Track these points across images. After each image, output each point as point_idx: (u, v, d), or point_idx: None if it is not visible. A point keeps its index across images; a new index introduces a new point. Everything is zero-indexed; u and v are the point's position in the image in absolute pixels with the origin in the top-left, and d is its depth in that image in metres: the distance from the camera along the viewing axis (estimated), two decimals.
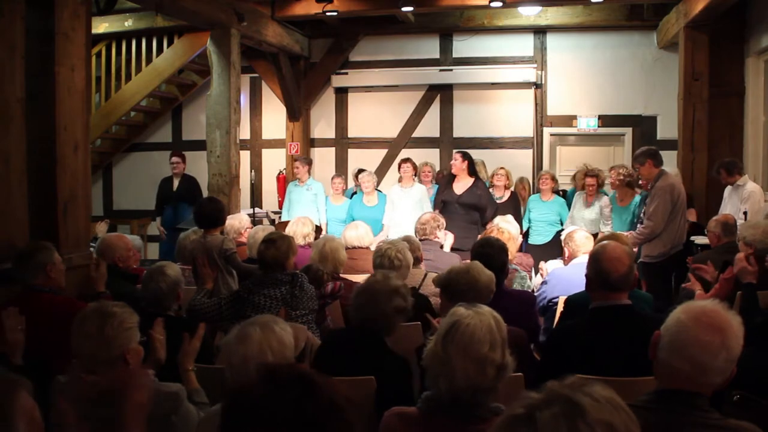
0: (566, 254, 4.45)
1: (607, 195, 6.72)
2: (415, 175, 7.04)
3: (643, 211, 5.37)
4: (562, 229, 6.42)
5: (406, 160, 7.04)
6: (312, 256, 4.16)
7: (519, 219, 6.58)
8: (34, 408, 1.48)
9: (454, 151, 6.78)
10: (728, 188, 5.99)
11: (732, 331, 1.67)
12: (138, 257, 4.48)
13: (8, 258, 3.51)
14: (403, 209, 6.68)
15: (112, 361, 2.06)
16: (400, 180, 7.03)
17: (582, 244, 4.30)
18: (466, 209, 6.15)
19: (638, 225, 5.36)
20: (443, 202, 6.25)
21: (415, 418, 1.86)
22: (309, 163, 7.79)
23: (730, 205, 5.84)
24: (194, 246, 4.45)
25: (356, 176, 7.96)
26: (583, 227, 5.99)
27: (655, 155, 5.26)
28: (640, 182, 5.81)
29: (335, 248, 4.12)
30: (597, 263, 2.57)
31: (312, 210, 7.29)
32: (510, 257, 4.38)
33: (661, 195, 5.10)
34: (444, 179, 6.67)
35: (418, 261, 4.22)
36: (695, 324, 1.67)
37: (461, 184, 6.29)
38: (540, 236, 6.87)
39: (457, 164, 6.30)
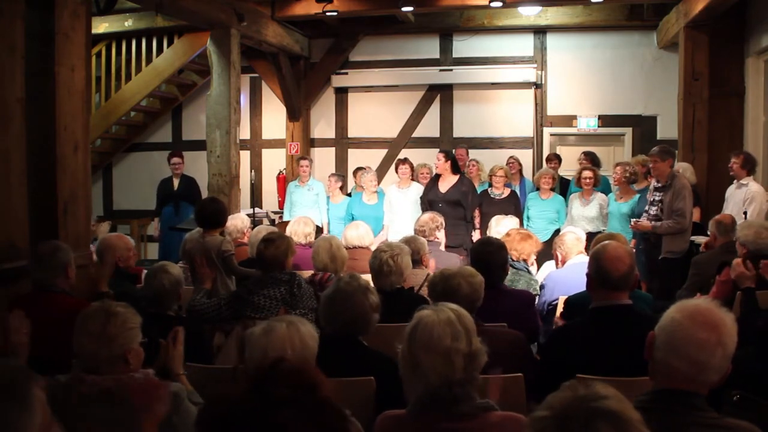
0: (559, 258, 4.43)
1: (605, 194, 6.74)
2: (412, 177, 7.02)
3: (655, 207, 5.47)
4: (559, 228, 6.43)
5: (404, 161, 7.05)
6: (321, 259, 4.11)
7: (519, 216, 6.58)
8: (45, 401, 1.49)
9: (438, 151, 6.88)
10: (731, 187, 5.97)
11: (726, 328, 1.67)
12: (135, 257, 4.48)
13: (8, 258, 3.51)
14: (401, 210, 6.70)
15: (113, 361, 2.06)
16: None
17: (573, 246, 4.30)
18: (452, 206, 6.32)
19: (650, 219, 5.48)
20: (429, 202, 6.38)
21: (405, 420, 1.87)
22: (311, 163, 7.81)
23: (732, 204, 5.82)
24: (192, 246, 4.45)
25: (354, 174, 7.97)
26: (585, 227, 6.01)
27: (674, 155, 5.58)
28: (650, 177, 5.81)
29: (339, 246, 4.17)
30: (598, 262, 2.57)
31: (314, 210, 7.30)
32: (530, 252, 4.37)
33: (686, 194, 5.33)
34: (430, 180, 6.84)
35: (420, 262, 4.19)
36: (690, 323, 1.67)
37: (446, 183, 6.48)
38: (538, 234, 6.82)
39: (440, 164, 6.51)
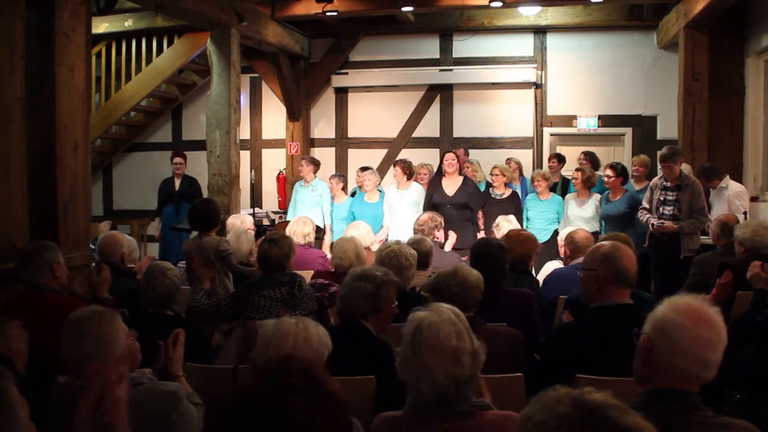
0: (567, 254, 4.41)
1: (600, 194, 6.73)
2: (410, 177, 6.87)
3: (670, 207, 5.48)
4: (558, 229, 6.42)
5: (396, 163, 6.97)
6: (348, 257, 4.15)
7: (519, 216, 6.58)
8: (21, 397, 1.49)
9: (446, 152, 6.83)
10: (711, 191, 6.06)
11: (720, 322, 1.68)
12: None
13: (8, 258, 3.51)
14: (401, 211, 6.67)
15: (91, 359, 2.04)
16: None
17: (583, 245, 4.27)
18: (459, 209, 6.33)
19: (653, 219, 5.50)
20: (435, 205, 6.31)
21: (403, 421, 1.87)
22: (315, 163, 7.66)
23: (717, 208, 5.89)
24: (190, 246, 4.44)
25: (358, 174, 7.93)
26: (582, 227, 5.97)
27: (683, 153, 5.80)
28: (666, 181, 5.71)
29: (361, 246, 4.31)
30: (616, 260, 2.54)
31: (317, 210, 7.28)
32: (529, 254, 4.36)
33: (702, 192, 5.47)
34: (432, 180, 6.80)
35: (426, 265, 4.16)
36: (692, 323, 1.65)
37: (451, 183, 6.46)
38: (537, 234, 6.80)
39: (450, 163, 6.52)
